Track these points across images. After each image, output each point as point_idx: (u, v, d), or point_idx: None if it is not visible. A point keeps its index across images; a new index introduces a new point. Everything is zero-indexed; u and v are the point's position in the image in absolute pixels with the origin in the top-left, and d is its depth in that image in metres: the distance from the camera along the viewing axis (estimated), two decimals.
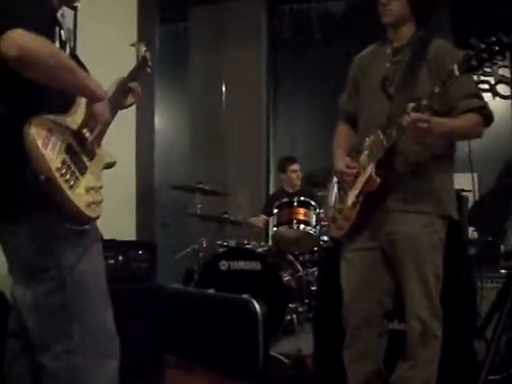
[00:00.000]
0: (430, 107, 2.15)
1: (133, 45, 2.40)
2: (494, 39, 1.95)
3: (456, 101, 2.30)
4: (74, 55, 1.95)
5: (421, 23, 2.48)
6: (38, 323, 1.79)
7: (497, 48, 1.95)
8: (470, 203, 2.94)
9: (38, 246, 1.75)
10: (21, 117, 1.65)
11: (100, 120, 1.81)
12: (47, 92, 1.70)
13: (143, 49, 2.30)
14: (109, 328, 1.89)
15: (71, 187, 1.70)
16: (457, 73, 2.04)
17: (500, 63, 1.99)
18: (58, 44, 1.81)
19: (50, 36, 1.75)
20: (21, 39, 1.56)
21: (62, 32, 1.85)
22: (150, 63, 2.32)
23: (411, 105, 2.17)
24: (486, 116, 2.34)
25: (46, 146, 1.65)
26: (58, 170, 1.67)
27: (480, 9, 3.96)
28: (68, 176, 1.70)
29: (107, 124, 1.86)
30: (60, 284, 1.77)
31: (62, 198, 1.68)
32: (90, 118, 1.80)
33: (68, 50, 1.89)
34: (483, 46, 1.97)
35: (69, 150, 1.75)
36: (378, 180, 2.33)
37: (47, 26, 1.73)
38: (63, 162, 1.70)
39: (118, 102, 2.14)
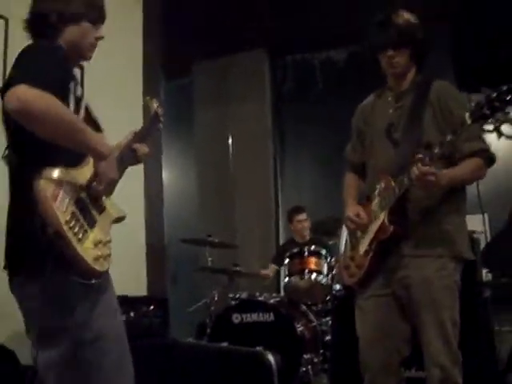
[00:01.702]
0: (442, 155, 2.18)
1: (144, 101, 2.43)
2: (505, 88, 1.97)
3: (459, 143, 2.31)
4: (87, 110, 1.97)
5: (419, 66, 2.52)
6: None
7: (509, 97, 1.97)
8: (482, 244, 2.91)
9: (50, 305, 1.73)
10: (32, 169, 1.67)
11: (103, 178, 1.81)
12: (58, 145, 1.72)
13: (155, 105, 2.31)
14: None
15: (79, 240, 1.70)
16: (469, 121, 2.05)
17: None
18: (72, 98, 1.83)
19: (65, 91, 1.78)
20: (22, 93, 1.60)
21: (77, 87, 1.88)
22: (162, 119, 2.32)
23: (419, 155, 2.20)
24: (488, 158, 2.36)
25: (56, 198, 1.66)
26: (67, 222, 1.67)
27: (481, 48, 4.02)
28: (77, 229, 1.70)
29: (113, 181, 1.85)
30: (75, 342, 1.74)
31: (70, 252, 1.67)
32: (95, 175, 1.81)
33: (83, 105, 1.91)
34: (495, 94, 1.99)
35: (78, 203, 1.75)
36: (392, 227, 2.32)
37: (60, 83, 1.76)
38: (72, 215, 1.70)
39: (127, 157, 2.15)
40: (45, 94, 1.63)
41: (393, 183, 2.33)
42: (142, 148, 2.20)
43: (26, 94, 1.61)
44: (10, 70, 1.77)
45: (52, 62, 1.77)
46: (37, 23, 1.92)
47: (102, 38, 2.01)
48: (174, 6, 5.11)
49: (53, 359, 1.75)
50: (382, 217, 2.36)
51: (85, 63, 2.13)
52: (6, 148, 1.84)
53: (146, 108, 2.35)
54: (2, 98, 1.68)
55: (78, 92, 1.88)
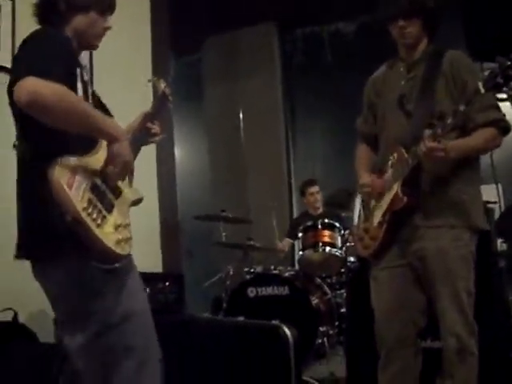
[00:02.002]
0: (455, 125, 2.16)
1: (150, 81, 2.42)
2: None
3: (473, 112, 2.29)
4: (95, 95, 1.98)
5: (431, 36, 2.49)
6: (87, 368, 1.80)
7: None
8: (496, 215, 2.90)
9: (76, 291, 1.76)
10: (46, 158, 1.67)
11: (118, 161, 1.80)
12: (70, 133, 1.72)
13: (163, 84, 2.29)
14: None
15: (99, 226, 1.70)
16: (482, 90, 2.03)
17: None
18: (80, 85, 1.83)
19: (72, 78, 1.78)
20: (31, 86, 1.61)
21: (84, 73, 1.89)
22: (170, 98, 2.30)
23: (427, 132, 2.18)
24: (503, 128, 2.34)
25: (71, 186, 1.66)
26: (85, 209, 1.67)
27: (493, 19, 3.95)
28: (95, 215, 1.70)
29: (127, 163, 1.84)
30: (105, 326, 1.77)
31: (90, 238, 1.68)
32: (110, 159, 1.81)
33: (90, 90, 1.92)
34: (509, 63, 1.96)
35: (94, 189, 1.75)
36: (405, 198, 2.32)
37: (66, 71, 1.76)
38: (89, 202, 1.70)
39: (140, 138, 2.16)
40: (53, 83, 1.63)
41: (406, 154, 2.32)
42: (154, 127, 2.20)
43: (34, 86, 1.61)
44: (16, 59, 1.78)
45: (57, 50, 1.76)
46: (45, 10, 1.92)
47: (109, 28, 2.01)
48: None
49: (81, 343, 1.77)
50: (396, 188, 2.35)
51: None
52: (17, 138, 1.85)
53: (155, 88, 2.33)
54: (10, 91, 1.68)
55: (86, 77, 1.88)
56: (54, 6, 1.89)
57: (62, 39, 1.84)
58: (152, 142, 2.25)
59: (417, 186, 2.34)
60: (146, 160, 4.30)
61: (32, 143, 1.79)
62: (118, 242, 1.76)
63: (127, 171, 1.87)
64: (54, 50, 1.75)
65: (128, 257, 1.85)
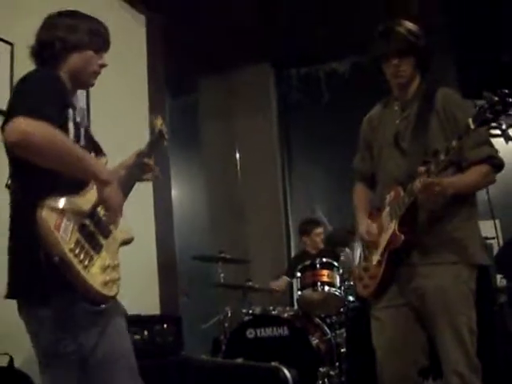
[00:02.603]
0: (450, 162, 2.17)
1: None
2: (506, 91, 1.98)
3: (466, 150, 2.30)
4: (88, 135, 1.99)
5: (423, 74, 2.52)
6: None
7: (511, 99, 1.97)
8: (495, 250, 2.89)
9: (57, 330, 1.74)
10: (33, 200, 1.67)
11: (109, 204, 1.81)
12: (59, 173, 1.73)
13: (159, 122, 2.31)
14: None
15: (86, 267, 1.70)
16: (472, 126, 2.05)
17: None
18: (71, 125, 1.84)
19: (63, 119, 1.80)
20: (20, 126, 1.62)
21: (77, 114, 1.89)
22: (166, 136, 2.33)
23: (421, 169, 2.19)
24: (497, 164, 2.35)
25: (59, 227, 1.66)
26: (71, 250, 1.67)
27: (484, 56, 4.01)
28: (82, 256, 1.70)
29: (118, 207, 1.85)
30: (81, 366, 1.74)
31: (76, 279, 1.67)
32: (100, 201, 1.81)
33: (82, 130, 1.92)
34: (497, 98, 1.98)
35: (82, 229, 1.75)
36: (402, 237, 2.31)
37: (58, 112, 1.77)
38: (76, 243, 1.70)
39: (134, 175, 2.16)
40: (43, 124, 1.64)
41: (402, 192, 2.33)
42: (149, 164, 2.21)
43: (24, 125, 1.62)
44: (9, 101, 1.79)
45: (49, 90, 1.78)
46: (41, 51, 1.94)
47: (105, 65, 2.03)
48: (176, 24, 5.14)
49: (61, 381, 1.75)
50: (393, 226, 2.35)
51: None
52: (9, 177, 1.85)
53: (151, 125, 2.36)
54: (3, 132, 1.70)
55: (78, 119, 1.89)
56: (51, 45, 1.92)
57: (54, 79, 1.85)
58: (146, 179, 2.25)
59: (414, 223, 2.34)
60: (144, 201, 4.32)
61: (22, 183, 1.79)
62: (105, 283, 1.75)
63: (118, 214, 1.87)
64: (45, 91, 1.76)
65: (115, 298, 1.83)
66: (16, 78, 3.27)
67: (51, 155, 1.67)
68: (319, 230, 5.42)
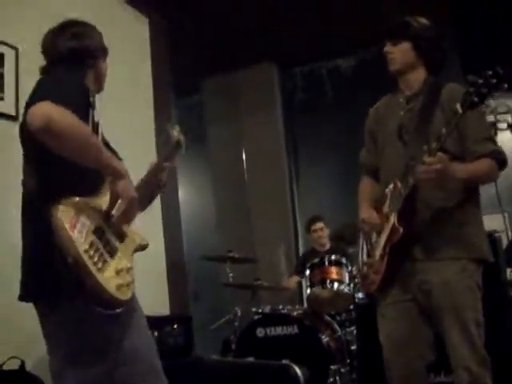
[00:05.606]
0: (444, 150, 2.15)
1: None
2: (490, 73, 1.96)
3: (469, 145, 2.30)
4: (104, 140, 1.99)
5: (433, 70, 2.50)
6: None
7: (494, 81, 1.95)
8: (504, 244, 2.88)
9: (77, 331, 1.74)
10: (50, 196, 1.66)
11: (124, 196, 1.76)
12: (77, 173, 1.72)
13: (176, 132, 2.26)
14: None
15: (99, 270, 1.65)
16: (460, 111, 2.04)
17: None
18: (90, 125, 1.83)
19: (84, 116, 1.79)
20: (46, 110, 1.60)
21: (95, 113, 1.89)
22: (183, 146, 2.27)
23: (425, 151, 2.18)
24: (501, 160, 2.33)
25: (74, 227, 1.63)
26: (86, 251, 1.63)
27: (489, 50, 4.00)
28: (96, 258, 1.66)
29: (133, 199, 1.80)
30: (113, 365, 1.75)
31: (90, 281, 1.62)
32: (113, 196, 1.77)
33: (100, 131, 1.92)
34: (481, 80, 1.98)
35: (98, 231, 1.72)
36: (401, 229, 2.30)
37: (81, 106, 1.78)
38: (91, 244, 1.66)
39: (152, 188, 2.19)
40: (67, 111, 1.63)
41: (399, 184, 2.32)
42: (163, 179, 2.23)
43: (49, 110, 1.60)
44: (32, 90, 1.80)
45: (74, 85, 1.83)
46: (70, 57, 1.99)
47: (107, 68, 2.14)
48: (180, 24, 5.15)
49: (84, 381, 1.75)
50: (392, 219, 2.34)
51: None
52: (24, 176, 1.85)
53: (158, 132, 2.34)
54: (23, 129, 1.69)
55: (96, 118, 1.89)
56: (81, 53, 2.01)
57: (79, 78, 1.93)
58: (162, 192, 2.26)
59: (414, 216, 2.33)
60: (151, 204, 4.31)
61: (38, 181, 1.78)
62: (119, 288, 1.70)
63: (133, 209, 1.82)
64: (70, 84, 1.81)
65: (131, 299, 1.82)
66: (21, 83, 3.32)
67: (73, 142, 1.65)
68: (317, 225, 5.43)
